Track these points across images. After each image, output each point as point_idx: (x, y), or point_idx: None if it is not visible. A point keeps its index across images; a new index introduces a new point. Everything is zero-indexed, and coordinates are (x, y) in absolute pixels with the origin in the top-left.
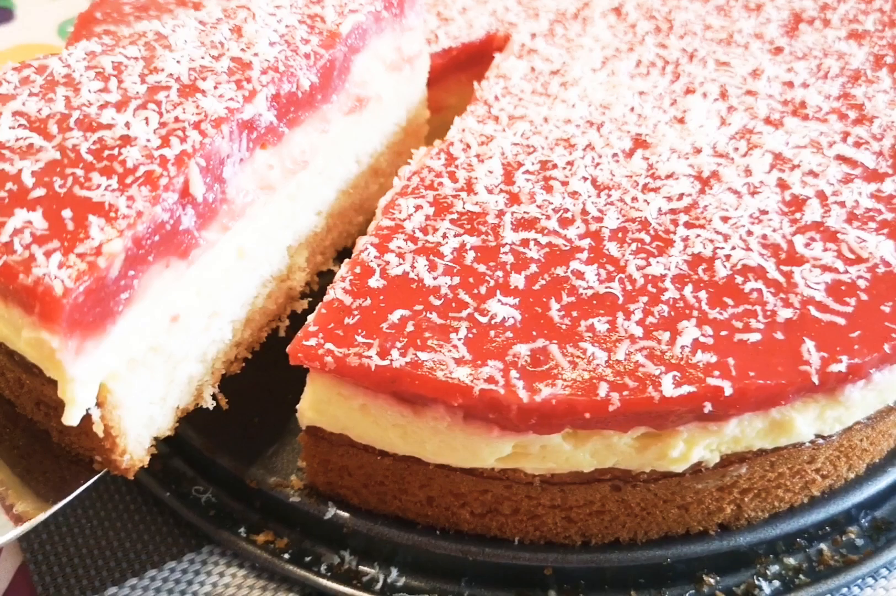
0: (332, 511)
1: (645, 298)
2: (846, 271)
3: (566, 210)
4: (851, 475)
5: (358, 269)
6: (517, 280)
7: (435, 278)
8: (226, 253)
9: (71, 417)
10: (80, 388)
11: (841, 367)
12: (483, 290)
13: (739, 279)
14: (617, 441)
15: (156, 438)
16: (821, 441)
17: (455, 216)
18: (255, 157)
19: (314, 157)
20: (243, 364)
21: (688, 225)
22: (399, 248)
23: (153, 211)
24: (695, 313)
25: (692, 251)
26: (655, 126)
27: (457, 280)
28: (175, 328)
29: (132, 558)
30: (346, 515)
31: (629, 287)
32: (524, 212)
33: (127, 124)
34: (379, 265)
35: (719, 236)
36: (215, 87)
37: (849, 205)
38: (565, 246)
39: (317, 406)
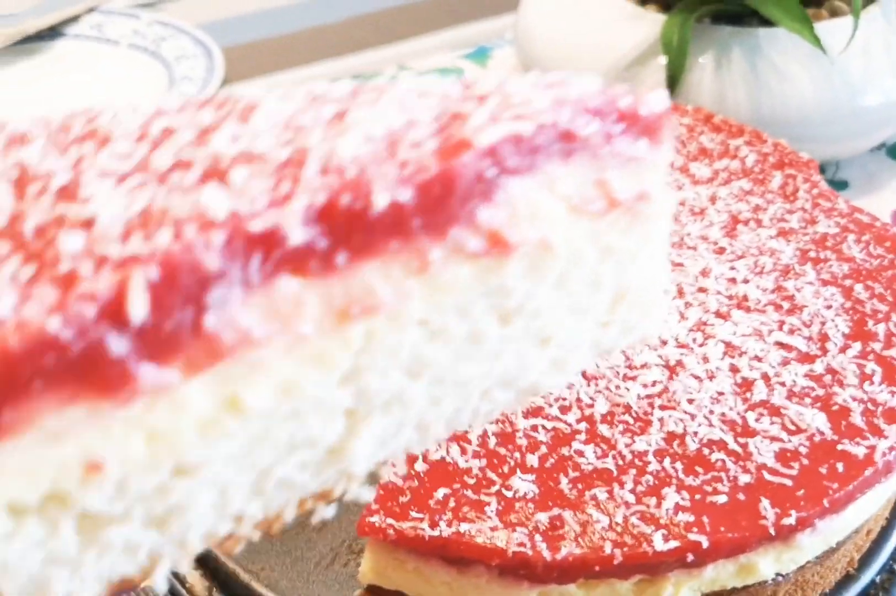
0: None
1: (634, 471)
2: (790, 441)
3: (563, 398)
4: None
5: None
6: (532, 459)
7: (466, 461)
8: (201, 401)
9: None
10: None
11: (791, 520)
12: (506, 469)
13: (706, 451)
14: (619, 587)
15: None
16: (780, 578)
17: None
18: (277, 285)
19: (403, 304)
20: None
21: (662, 407)
22: None
23: (48, 324)
24: (674, 481)
25: (667, 429)
26: None
27: (484, 462)
28: (94, 480)
29: None
30: None
31: (620, 462)
32: (531, 402)
33: (105, 204)
34: (421, 452)
35: (687, 416)
36: (249, 179)
37: (788, 384)
38: (566, 429)
39: (376, 569)
